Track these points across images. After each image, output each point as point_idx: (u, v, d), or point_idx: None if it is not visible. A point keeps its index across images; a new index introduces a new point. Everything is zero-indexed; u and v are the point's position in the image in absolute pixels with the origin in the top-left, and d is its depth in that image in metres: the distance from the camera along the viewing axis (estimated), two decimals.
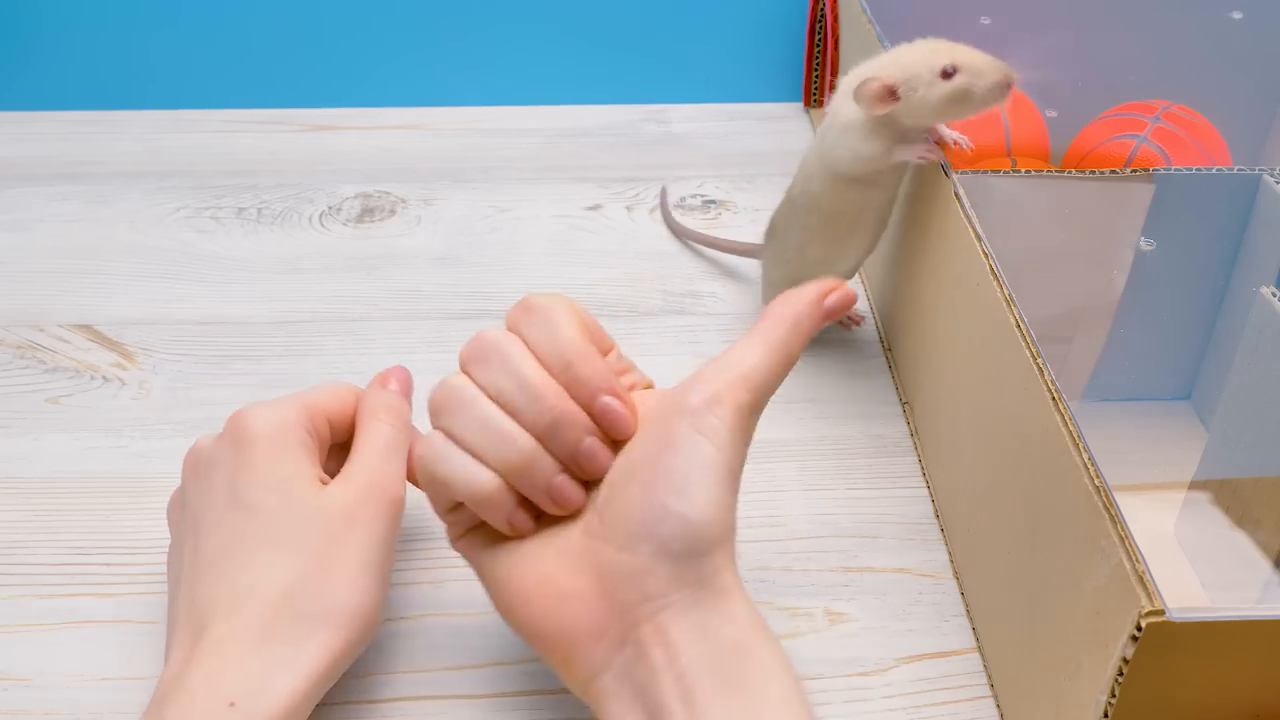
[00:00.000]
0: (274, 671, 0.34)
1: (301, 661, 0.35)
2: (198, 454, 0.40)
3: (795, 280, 0.38)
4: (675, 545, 0.32)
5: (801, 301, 0.36)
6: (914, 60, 0.45)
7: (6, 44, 0.75)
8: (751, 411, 0.34)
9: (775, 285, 0.54)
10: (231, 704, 0.33)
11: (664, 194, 0.68)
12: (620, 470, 0.35)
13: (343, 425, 0.42)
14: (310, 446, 0.40)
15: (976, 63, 0.44)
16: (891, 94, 0.45)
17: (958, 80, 0.44)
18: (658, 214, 0.68)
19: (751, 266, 0.63)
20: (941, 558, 0.46)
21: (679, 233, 0.65)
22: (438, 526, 0.47)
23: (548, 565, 0.34)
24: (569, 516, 0.35)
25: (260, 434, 0.39)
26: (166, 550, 0.46)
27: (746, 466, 0.34)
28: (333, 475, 0.40)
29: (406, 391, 0.44)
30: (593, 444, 0.35)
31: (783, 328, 0.35)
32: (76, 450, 0.50)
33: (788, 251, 0.53)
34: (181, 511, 0.40)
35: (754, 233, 0.66)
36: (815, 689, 0.40)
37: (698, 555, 0.32)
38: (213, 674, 0.34)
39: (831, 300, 0.36)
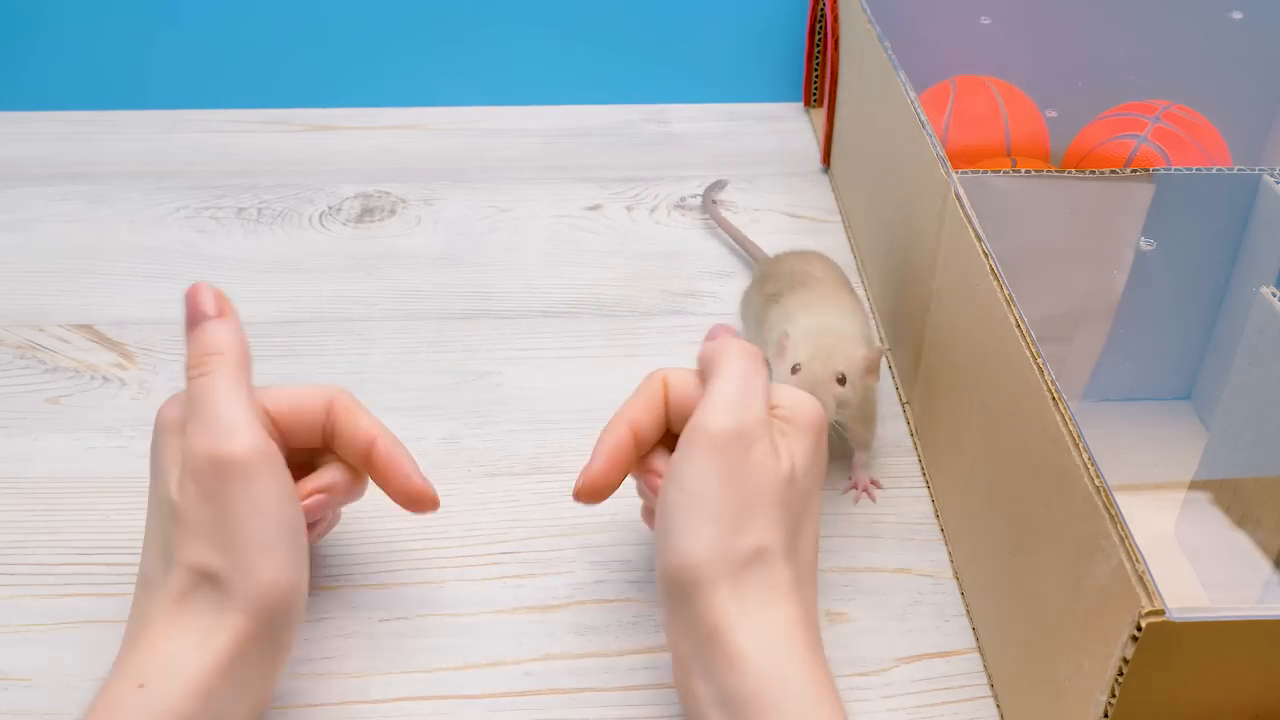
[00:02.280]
0: (183, 653, 0.34)
1: (211, 642, 0.34)
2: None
3: None
4: (663, 590, 0.36)
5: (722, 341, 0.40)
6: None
7: (6, 44, 0.75)
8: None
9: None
10: (140, 685, 0.33)
11: (710, 191, 0.69)
12: None
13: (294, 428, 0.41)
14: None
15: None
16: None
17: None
18: (658, 214, 0.68)
19: (750, 267, 0.63)
20: (941, 558, 0.46)
21: (723, 225, 0.66)
22: (437, 527, 0.47)
23: None
24: None
25: (159, 420, 0.38)
26: None
27: None
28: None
29: (214, 311, 0.39)
30: None
31: (728, 351, 0.39)
32: (76, 450, 0.50)
33: None
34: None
35: (756, 231, 0.66)
36: None
37: (684, 600, 0.35)
38: (129, 654, 0.34)
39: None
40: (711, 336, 0.42)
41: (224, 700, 0.34)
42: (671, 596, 0.35)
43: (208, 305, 0.39)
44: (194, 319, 0.39)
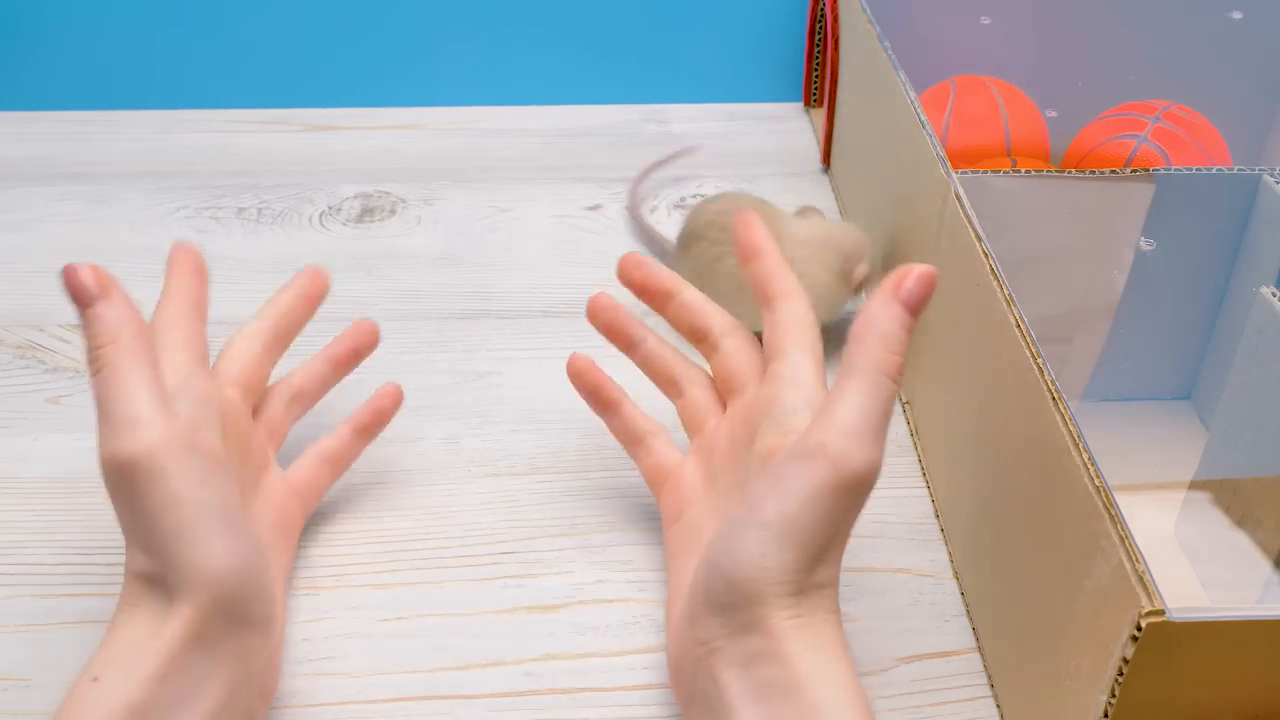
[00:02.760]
0: (134, 645, 0.34)
1: (162, 633, 0.34)
2: None
3: None
4: (719, 599, 0.35)
5: (878, 316, 0.34)
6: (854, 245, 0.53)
7: (6, 44, 0.75)
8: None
9: None
10: (95, 679, 0.33)
11: (634, 192, 0.66)
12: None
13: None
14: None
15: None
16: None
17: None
18: (658, 214, 0.68)
19: None
20: (941, 558, 0.46)
21: (647, 233, 0.64)
22: (437, 527, 0.47)
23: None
24: None
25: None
26: None
27: None
28: None
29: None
30: None
31: (870, 355, 0.34)
32: (76, 450, 0.50)
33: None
34: None
35: None
36: None
37: (739, 605, 0.34)
38: (97, 649, 0.35)
39: (907, 289, 0.34)
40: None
41: (185, 683, 0.34)
42: (722, 596, 0.35)
43: (90, 285, 0.35)
44: (80, 303, 0.36)
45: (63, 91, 0.77)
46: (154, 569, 0.35)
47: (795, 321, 0.39)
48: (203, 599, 0.34)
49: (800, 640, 0.34)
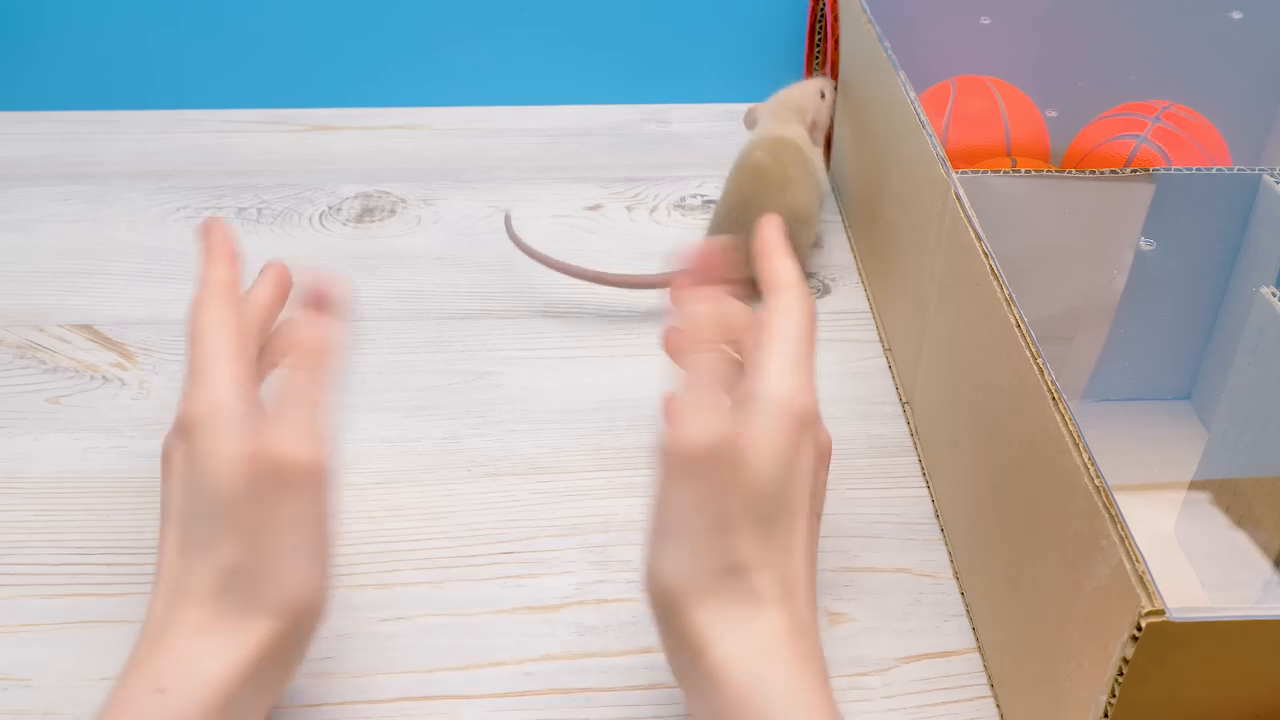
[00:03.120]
0: (206, 659, 0.33)
1: (235, 647, 0.33)
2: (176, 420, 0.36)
3: None
4: (654, 615, 0.35)
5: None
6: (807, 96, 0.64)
7: (6, 44, 0.75)
8: None
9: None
10: (160, 690, 0.33)
11: (508, 219, 0.61)
12: None
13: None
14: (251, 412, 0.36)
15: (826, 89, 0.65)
16: (814, 125, 0.63)
17: (827, 95, 0.65)
18: (658, 214, 0.68)
19: None
20: (941, 558, 0.46)
21: (532, 255, 0.59)
22: (437, 527, 0.47)
23: None
24: None
25: (200, 420, 0.35)
26: None
27: None
28: None
29: (285, 287, 0.41)
30: None
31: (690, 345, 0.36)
32: (76, 450, 0.50)
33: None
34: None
35: None
36: None
37: (666, 619, 0.34)
38: (148, 657, 0.33)
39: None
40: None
41: (242, 706, 0.34)
42: (656, 615, 0.35)
43: (323, 291, 0.37)
44: (311, 304, 0.37)
45: (63, 91, 0.77)
46: (253, 568, 0.34)
47: (779, 316, 0.37)
48: (288, 615, 0.34)
49: (729, 644, 0.33)
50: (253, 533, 0.34)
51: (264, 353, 0.40)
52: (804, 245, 0.60)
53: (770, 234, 0.40)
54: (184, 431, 0.35)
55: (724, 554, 0.33)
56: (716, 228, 0.59)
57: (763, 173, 0.59)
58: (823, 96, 0.64)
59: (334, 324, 0.37)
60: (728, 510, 0.33)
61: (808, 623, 0.35)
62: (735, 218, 0.57)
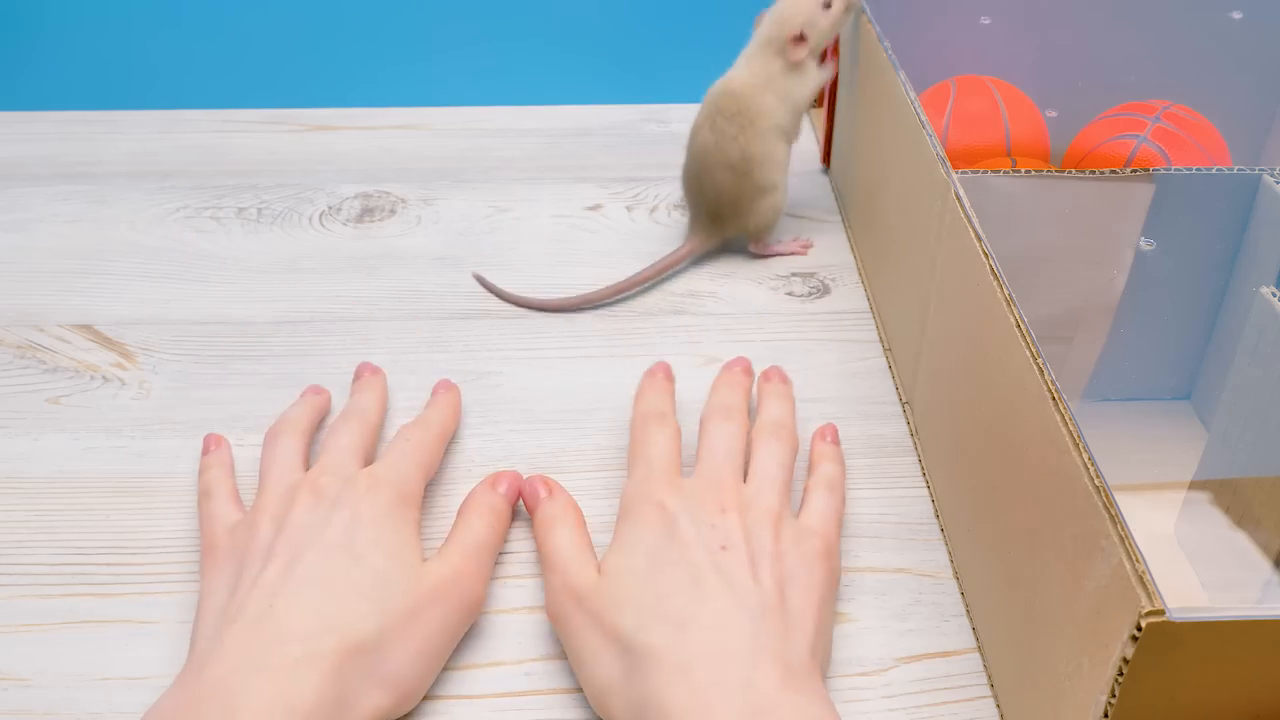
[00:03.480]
0: (326, 713, 0.35)
1: (350, 712, 0.36)
2: (319, 485, 0.42)
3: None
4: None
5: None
6: (800, 6, 0.59)
7: (6, 44, 0.75)
8: None
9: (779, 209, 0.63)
10: None
11: (482, 280, 0.61)
12: None
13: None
14: (418, 517, 0.43)
15: None
16: (801, 39, 0.59)
17: (835, 5, 0.59)
18: (658, 213, 0.68)
19: (750, 267, 0.63)
20: (941, 558, 0.46)
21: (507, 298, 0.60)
22: (437, 527, 0.47)
23: None
24: None
25: (389, 496, 0.42)
26: (167, 549, 0.46)
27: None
28: None
29: (512, 499, 0.45)
30: None
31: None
32: (76, 450, 0.50)
33: (778, 176, 0.61)
34: (274, 524, 0.41)
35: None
36: None
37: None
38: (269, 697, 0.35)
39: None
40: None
41: None
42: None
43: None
44: (495, 484, 0.45)
45: (63, 91, 0.77)
46: (383, 649, 0.37)
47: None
48: (396, 704, 0.38)
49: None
50: (404, 624, 0.39)
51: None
52: (767, 182, 0.60)
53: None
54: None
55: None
56: (684, 193, 0.63)
57: (705, 153, 0.60)
58: (827, 6, 0.59)
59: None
60: (577, 648, 0.39)
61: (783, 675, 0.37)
62: (693, 188, 0.62)
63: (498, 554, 0.44)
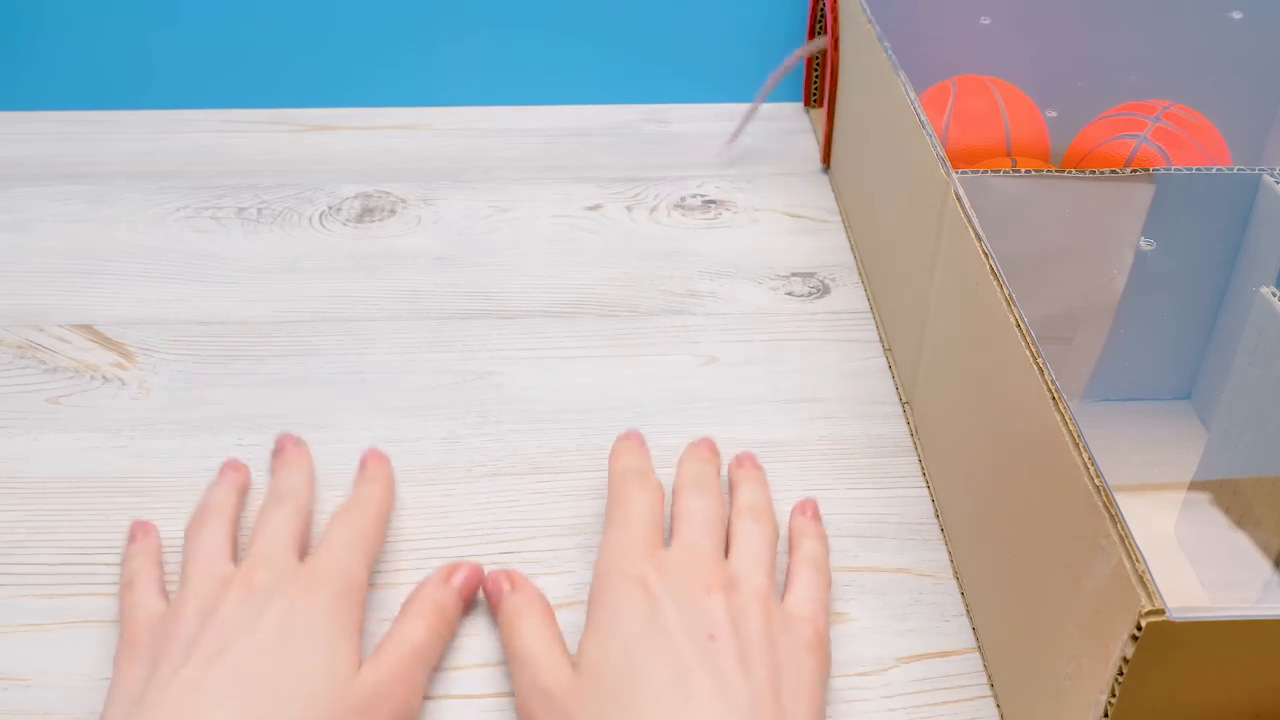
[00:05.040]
0: None
1: None
2: (252, 580, 0.39)
3: None
4: None
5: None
6: None
7: (6, 44, 0.75)
8: None
9: None
10: None
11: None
12: None
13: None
14: (361, 614, 0.40)
15: None
16: None
17: None
18: (658, 213, 0.68)
19: (750, 267, 0.63)
20: (941, 558, 0.46)
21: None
22: (437, 526, 0.47)
23: None
24: None
25: (329, 591, 0.39)
26: (166, 550, 0.46)
27: None
28: None
29: (467, 593, 0.43)
30: None
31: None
32: (76, 450, 0.50)
33: None
34: (199, 618, 0.38)
35: (756, 231, 0.66)
36: None
37: None
38: None
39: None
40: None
41: None
42: None
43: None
44: (448, 576, 0.43)
45: (63, 91, 0.77)
46: None
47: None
48: None
49: None
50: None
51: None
52: None
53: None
54: None
55: None
56: None
57: None
58: None
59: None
60: None
61: None
62: None
63: (439, 657, 0.41)
